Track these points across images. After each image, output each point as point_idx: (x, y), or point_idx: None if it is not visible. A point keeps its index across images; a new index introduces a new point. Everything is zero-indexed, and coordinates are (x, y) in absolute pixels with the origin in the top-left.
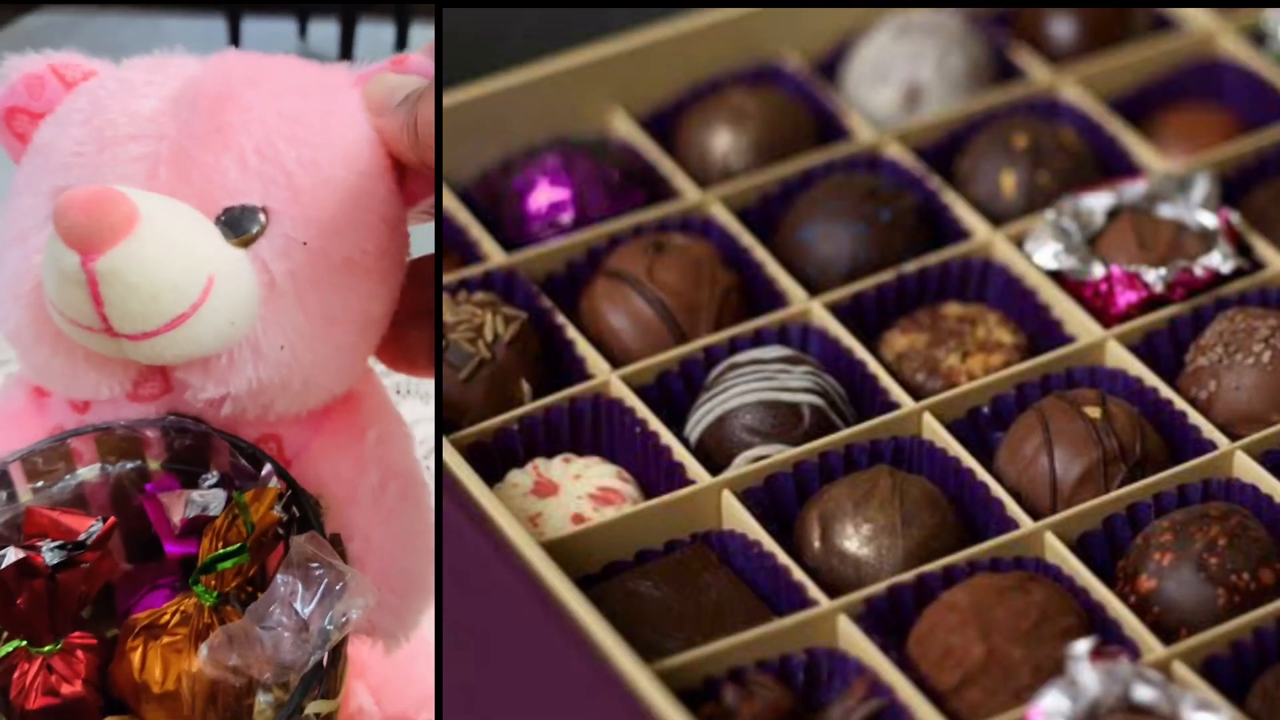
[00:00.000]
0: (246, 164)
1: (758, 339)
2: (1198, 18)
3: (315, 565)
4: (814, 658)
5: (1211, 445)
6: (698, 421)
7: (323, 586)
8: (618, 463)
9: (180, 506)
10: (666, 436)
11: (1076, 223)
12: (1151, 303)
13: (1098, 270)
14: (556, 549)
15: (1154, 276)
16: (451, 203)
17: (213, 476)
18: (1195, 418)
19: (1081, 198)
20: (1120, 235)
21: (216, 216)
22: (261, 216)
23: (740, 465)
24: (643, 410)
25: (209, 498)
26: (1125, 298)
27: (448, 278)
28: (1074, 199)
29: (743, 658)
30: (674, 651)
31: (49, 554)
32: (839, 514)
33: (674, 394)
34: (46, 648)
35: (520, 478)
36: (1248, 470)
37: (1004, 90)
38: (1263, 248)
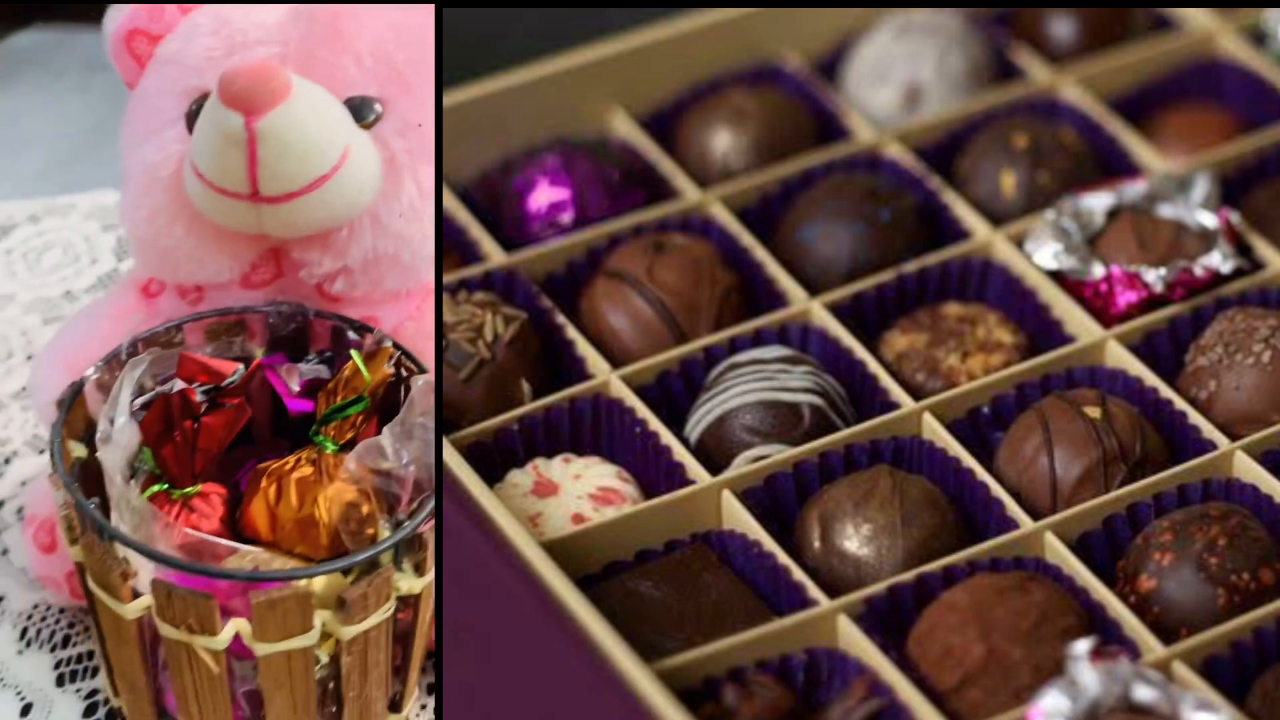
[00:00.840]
0: (363, 63)
1: (758, 339)
2: (1198, 18)
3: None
4: (814, 658)
5: (1211, 445)
6: (698, 421)
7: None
8: (618, 463)
9: (294, 376)
10: (666, 436)
11: (1076, 223)
12: (1151, 303)
13: (1098, 270)
14: (556, 549)
15: (1154, 276)
16: (451, 203)
17: (314, 357)
18: (1195, 418)
19: (1081, 198)
20: (1120, 235)
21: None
22: (378, 106)
23: (740, 465)
24: (643, 410)
25: (316, 370)
26: (1125, 298)
27: (448, 278)
28: (1074, 199)
29: (743, 658)
30: (674, 651)
31: (200, 394)
32: (839, 514)
33: (674, 394)
34: (187, 490)
35: (520, 478)
36: (1248, 470)
37: (1004, 90)
38: (1263, 248)
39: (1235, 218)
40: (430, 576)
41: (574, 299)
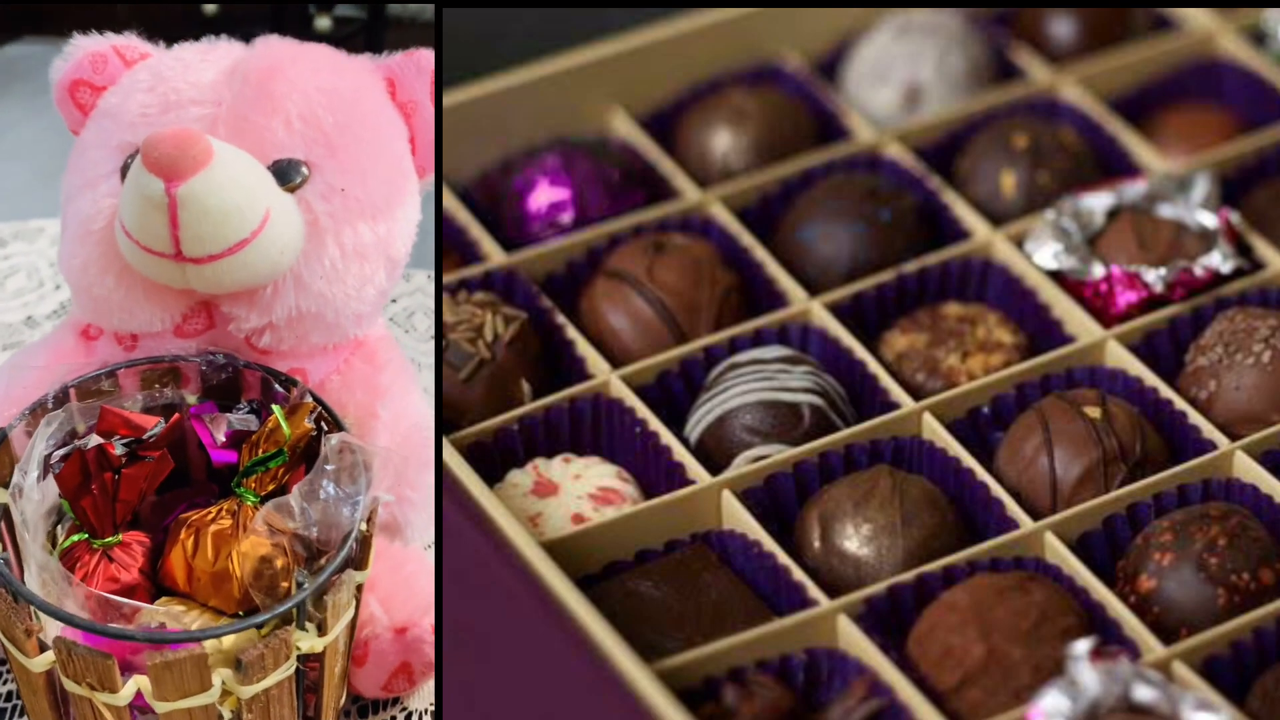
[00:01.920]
0: (292, 126)
1: (758, 339)
2: (1198, 18)
3: (350, 451)
4: (814, 658)
5: (1211, 445)
6: (698, 421)
7: (357, 469)
8: (618, 463)
9: (221, 426)
10: (666, 436)
11: (1076, 223)
12: (1151, 303)
13: (1098, 270)
14: (556, 549)
15: (1154, 276)
16: (451, 203)
17: (245, 406)
18: (1195, 418)
19: (1081, 198)
20: (1120, 235)
21: (267, 167)
22: (304, 169)
23: (740, 465)
24: (643, 410)
25: (244, 421)
26: (1125, 298)
27: (448, 278)
28: (1074, 199)
29: (743, 658)
30: (674, 651)
31: (119, 448)
32: (839, 514)
33: (674, 394)
34: (108, 539)
35: (520, 478)
36: (1248, 470)
37: (1004, 90)
38: (1263, 248)
39: (1235, 218)
40: (332, 636)
41: (574, 299)
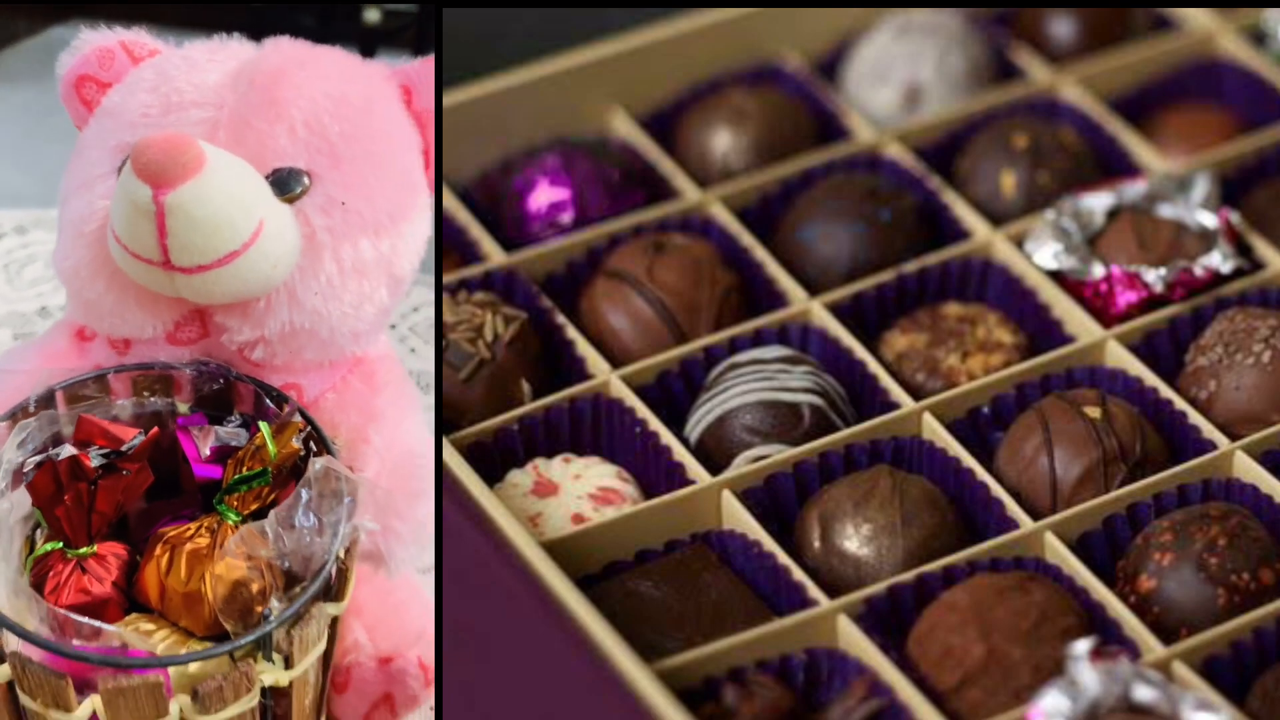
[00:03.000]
0: (296, 134)
1: (758, 339)
2: (1198, 18)
3: (334, 478)
4: (814, 658)
5: (1211, 445)
6: (698, 421)
7: (339, 497)
8: (618, 463)
9: (208, 439)
10: (666, 436)
11: (1076, 223)
12: (1151, 303)
13: (1098, 270)
14: (556, 549)
15: (1154, 276)
16: (451, 203)
17: (236, 419)
18: (1195, 418)
19: (1081, 198)
20: (1120, 235)
21: (266, 176)
22: (305, 179)
23: (740, 465)
24: (643, 410)
25: (233, 435)
26: (1125, 298)
27: (448, 278)
28: (1074, 199)
29: (743, 658)
30: (674, 651)
31: (95, 458)
32: (839, 514)
33: (674, 394)
34: (82, 550)
35: (520, 478)
36: (1248, 470)
37: (1004, 90)
38: (1263, 248)
39: (1235, 218)
40: (299, 670)
41: (574, 299)
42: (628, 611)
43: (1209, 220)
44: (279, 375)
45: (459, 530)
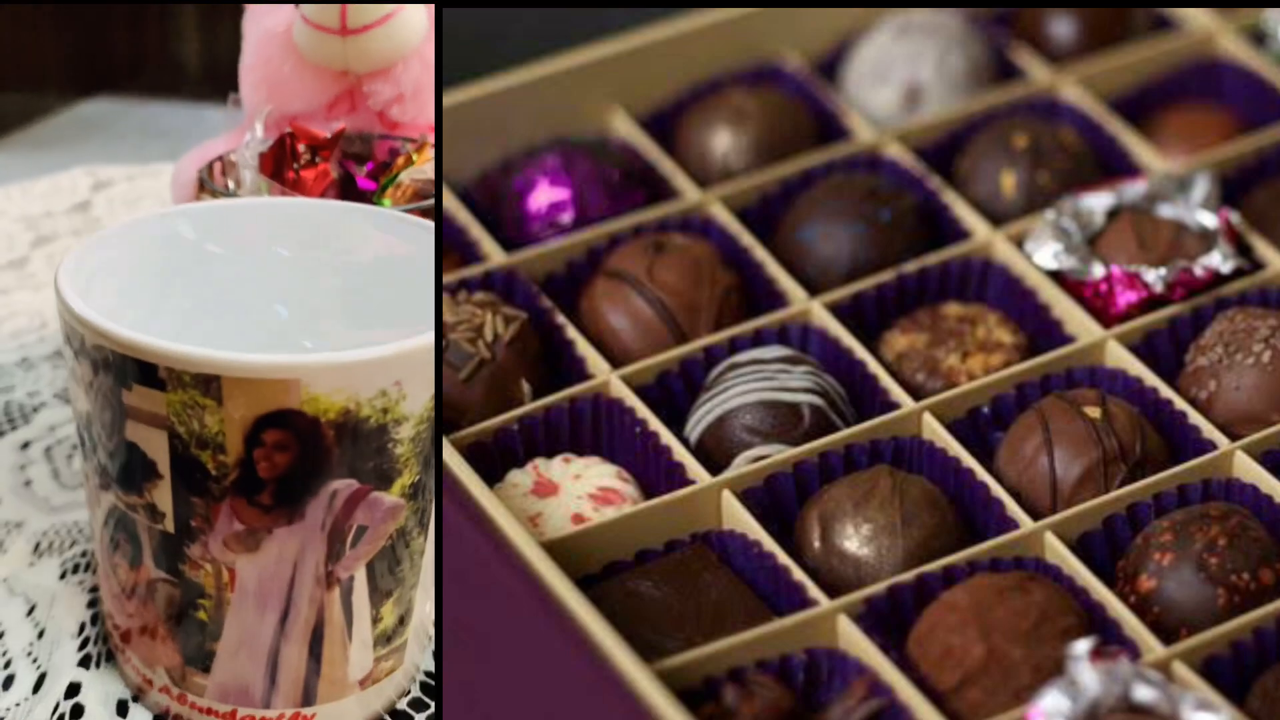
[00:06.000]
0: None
1: (758, 339)
2: (1198, 18)
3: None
4: (814, 658)
5: (1211, 445)
6: (698, 421)
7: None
8: (618, 463)
9: (361, 169)
10: (666, 436)
11: (1076, 223)
12: (1151, 303)
13: (1098, 270)
14: (556, 549)
15: (1154, 276)
16: (451, 203)
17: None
18: (1195, 418)
19: (1081, 198)
20: (1120, 235)
21: None
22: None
23: (740, 465)
24: (643, 410)
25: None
26: (1125, 298)
27: (448, 278)
28: (1074, 199)
29: (743, 658)
30: (674, 651)
31: (303, 149)
32: (839, 514)
33: (674, 394)
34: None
35: (520, 478)
36: (1248, 470)
37: (1004, 90)
38: (1263, 248)
39: (1235, 218)
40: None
41: (574, 299)
42: (628, 611)
43: (1209, 220)
44: (405, 132)
45: (459, 530)
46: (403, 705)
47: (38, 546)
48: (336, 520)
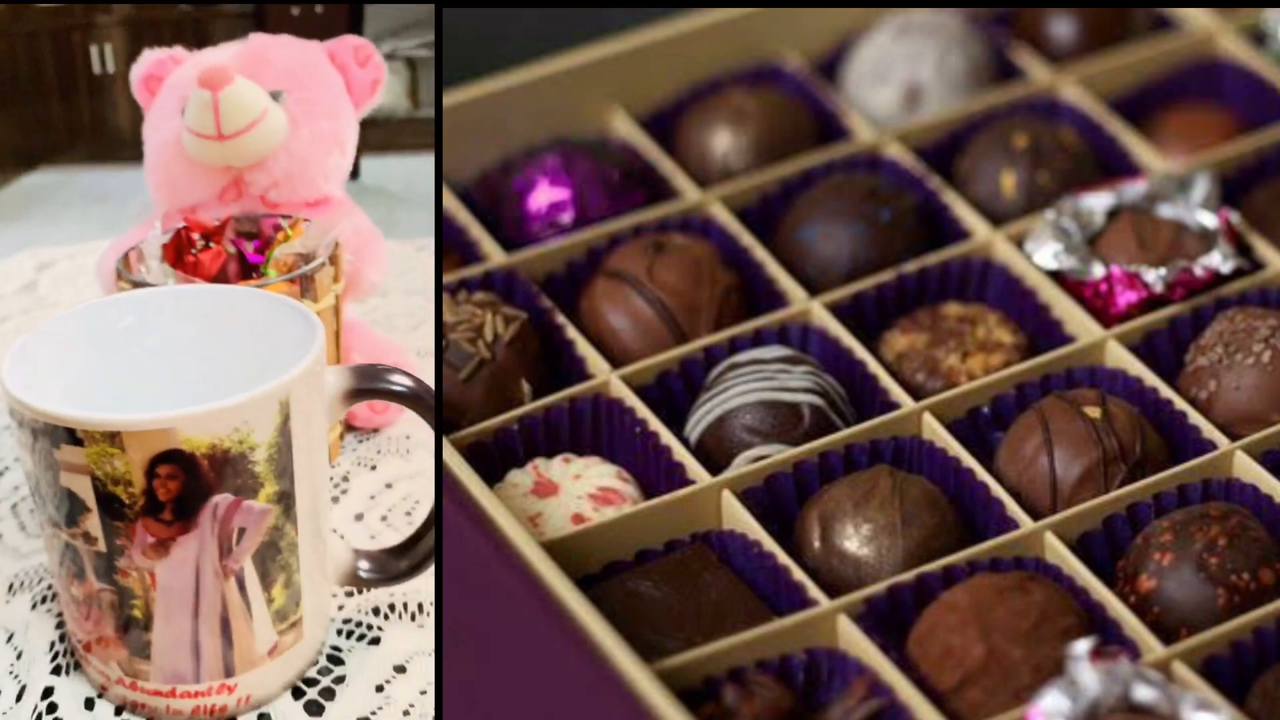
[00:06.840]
0: (276, 73)
1: (758, 339)
2: (1198, 18)
3: (323, 229)
4: (814, 658)
5: (1211, 445)
6: (698, 421)
7: (326, 232)
8: (618, 463)
9: (250, 245)
10: (666, 436)
11: (1076, 223)
12: (1151, 303)
13: (1098, 270)
14: (556, 549)
15: (1154, 276)
16: (451, 203)
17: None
18: (1195, 418)
19: (1081, 198)
20: (1120, 235)
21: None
22: (283, 94)
23: (740, 465)
24: (643, 410)
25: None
26: (1125, 298)
27: (448, 278)
28: (1074, 199)
29: (743, 658)
30: (674, 651)
31: (197, 239)
32: (839, 514)
33: (674, 394)
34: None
35: (520, 478)
36: (1248, 470)
37: (1004, 90)
38: (1263, 248)
39: (1235, 218)
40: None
41: (574, 299)
42: (628, 611)
43: (1209, 220)
44: (284, 210)
45: (459, 530)
46: (313, 673)
47: (11, 586)
48: (222, 526)
